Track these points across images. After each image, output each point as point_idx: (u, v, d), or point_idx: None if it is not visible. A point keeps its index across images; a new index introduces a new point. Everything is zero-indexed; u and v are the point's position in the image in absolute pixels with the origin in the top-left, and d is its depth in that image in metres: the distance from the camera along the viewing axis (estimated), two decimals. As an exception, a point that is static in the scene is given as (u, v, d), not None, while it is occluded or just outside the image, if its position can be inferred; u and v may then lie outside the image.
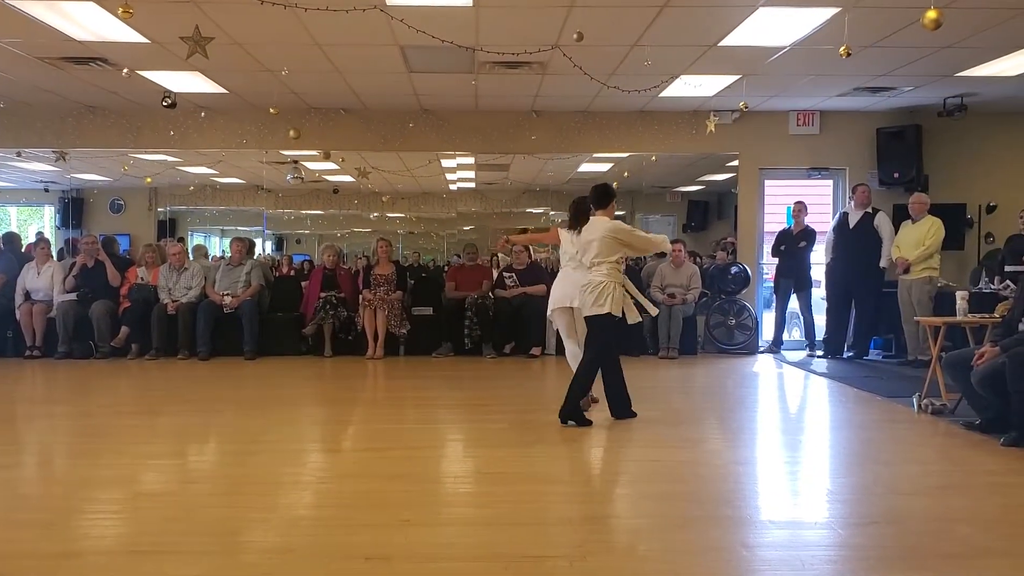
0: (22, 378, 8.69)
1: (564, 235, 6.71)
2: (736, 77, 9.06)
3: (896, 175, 10.55)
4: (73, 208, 19.26)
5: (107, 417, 6.65)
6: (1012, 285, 7.90)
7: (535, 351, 9.99)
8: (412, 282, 10.84)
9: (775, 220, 11.29)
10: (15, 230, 16.27)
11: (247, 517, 3.93)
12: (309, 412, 6.90)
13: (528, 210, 22.16)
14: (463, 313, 10.04)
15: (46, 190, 19.39)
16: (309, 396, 7.64)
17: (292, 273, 12.21)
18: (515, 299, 10.14)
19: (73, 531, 3.79)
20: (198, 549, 3.45)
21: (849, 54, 6.32)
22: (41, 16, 6.92)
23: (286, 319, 10.24)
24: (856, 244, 9.81)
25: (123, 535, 3.73)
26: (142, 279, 10.16)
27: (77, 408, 7.11)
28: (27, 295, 9.94)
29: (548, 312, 6.76)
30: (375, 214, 19.27)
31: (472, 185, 19.83)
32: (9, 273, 10.03)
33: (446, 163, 14.86)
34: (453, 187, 19.97)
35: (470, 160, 14.23)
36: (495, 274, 10.81)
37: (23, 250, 11.30)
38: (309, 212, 17.89)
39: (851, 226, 9.89)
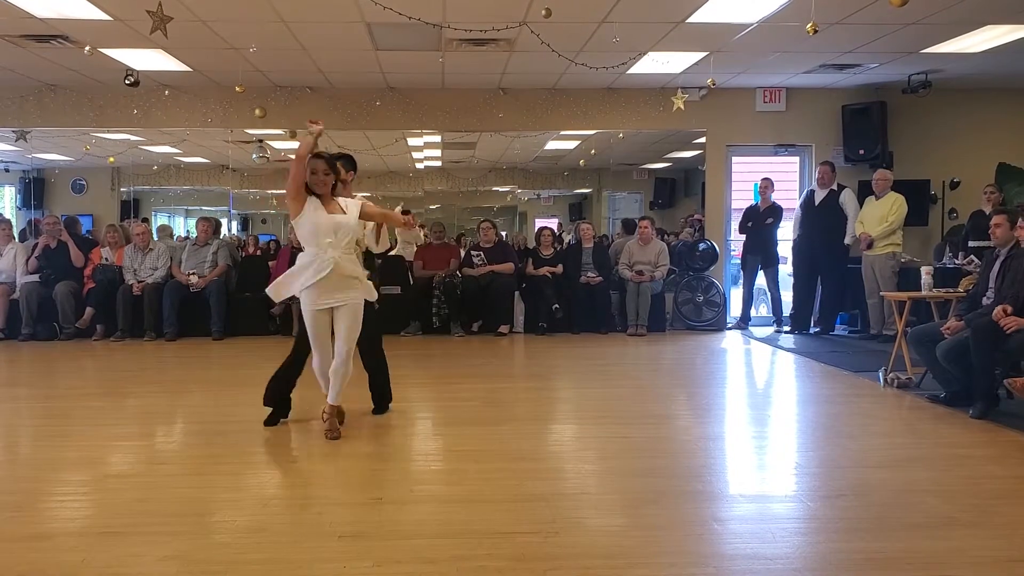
0: (-16, 361, 8.55)
1: None
2: (704, 54, 9.08)
3: (861, 152, 10.64)
4: (34, 188, 18.95)
5: (73, 399, 6.57)
6: (976, 260, 8.03)
7: (503, 329, 10.01)
8: (379, 261, 10.76)
9: (742, 197, 11.35)
10: (-27, 211, 15.94)
11: (217, 498, 3.91)
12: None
13: (494, 188, 22.13)
14: (431, 292, 10.02)
15: (6, 170, 19.00)
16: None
17: (259, 253, 12.10)
18: (483, 277, 10.14)
19: (42, 514, 3.76)
20: (169, 529, 3.43)
21: (816, 31, 6.35)
22: (-2, -9, 6.77)
23: (253, 299, 10.15)
24: (822, 221, 9.91)
25: (93, 517, 3.69)
26: (106, 260, 10.02)
27: (42, 390, 7.01)
28: (-11, 276, 9.77)
29: None
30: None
31: (439, 164, 19.75)
32: (-30, 255, 9.85)
33: (412, 142, 14.77)
34: (420, 166, 19.87)
35: (437, 139, 14.16)
36: (462, 252, 10.79)
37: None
38: (275, 191, 17.69)
39: (817, 203, 9.98)
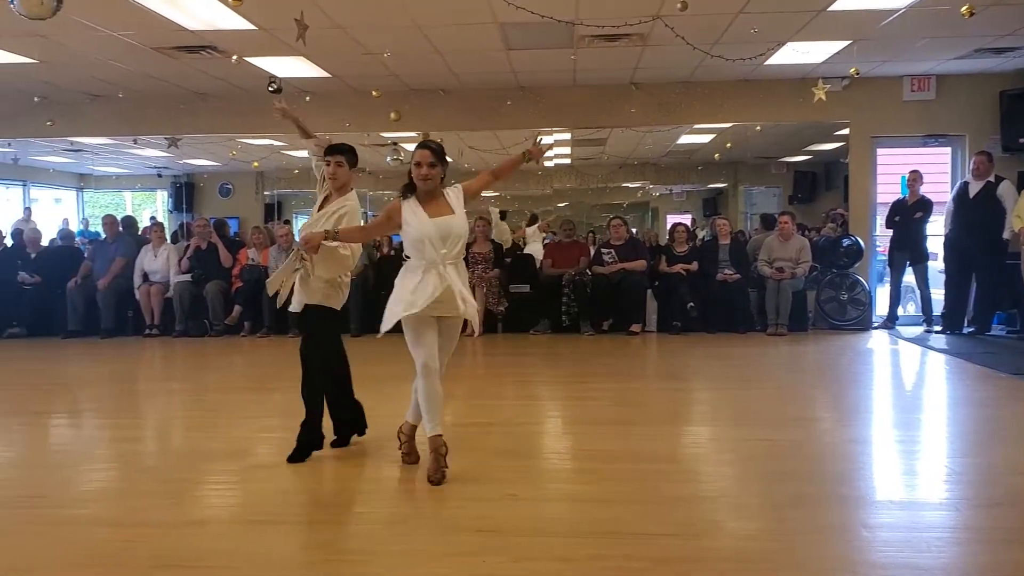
0: (142, 355, 9.08)
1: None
2: (847, 42, 8.72)
3: (1022, 140, 9.97)
4: (185, 192, 20.05)
5: (222, 393, 6.89)
6: None
7: (635, 328, 9.86)
8: (508, 260, 10.85)
9: (888, 190, 10.85)
10: (129, 214, 16.99)
11: (357, 488, 4.02)
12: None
13: (625, 185, 21.92)
14: (560, 290, 9.99)
15: (159, 175, 20.23)
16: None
17: (392, 253, 12.39)
18: (613, 275, 10.03)
19: (196, 502, 3.95)
20: (314, 519, 3.54)
21: (972, 13, 5.97)
22: (155, 7, 7.15)
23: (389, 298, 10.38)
24: (977, 214, 9.33)
25: (242, 505, 3.85)
26: (253, 260, 10.47)
27: (194, 384, 7.39)
28: (145, 276, 10.38)
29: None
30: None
31: (568, 161, 19.72)
32: (128, 256, 10.47)
33: (542, 140, 14.80)
34: (549, 164, 19.90)
35: (566, 136, 14.14)
36: (592, 250, 10.73)
37: (139, 233, 11.82)
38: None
39: (972, 195, 9.41)
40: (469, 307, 4.10)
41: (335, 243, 4.35)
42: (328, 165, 4.56)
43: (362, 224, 4.71)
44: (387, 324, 4.08)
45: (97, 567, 3.06)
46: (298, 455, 4.46)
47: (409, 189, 4.11)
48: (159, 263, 10.41)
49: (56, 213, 19.85)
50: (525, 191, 20.81)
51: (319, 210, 4.60)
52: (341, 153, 4.57)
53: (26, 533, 3.41)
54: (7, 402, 6.64)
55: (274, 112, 4.91)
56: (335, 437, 4.75)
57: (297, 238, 4.60)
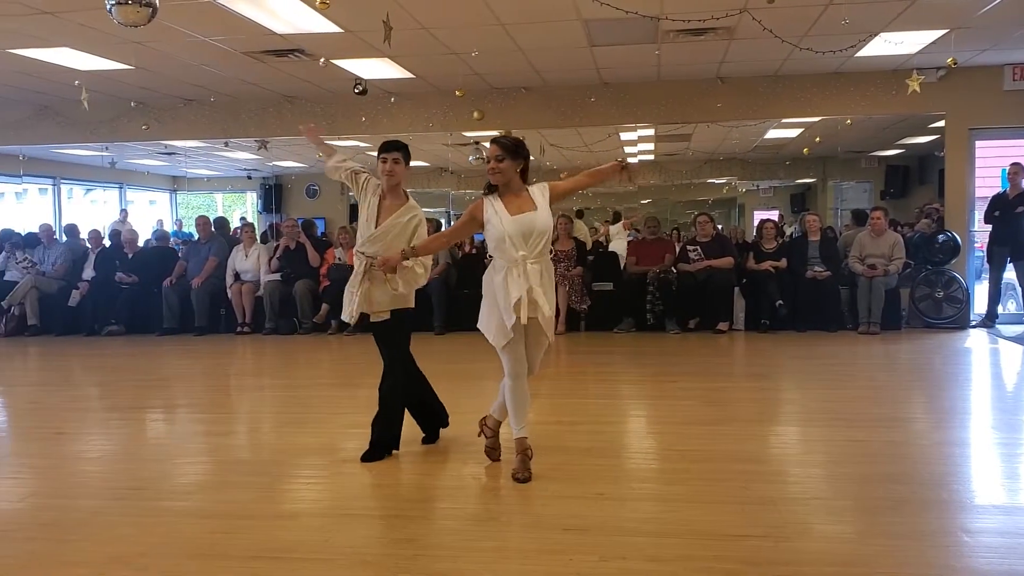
0: (234, 352, 9.34)
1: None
2: (942, 32, 8.41)
3: None
4: (274, 194, 20.57)
5: (311, 389, 7.04)
6: None
7: (722, 326, 9.70)
8: (592, 258, 10.80)
9: (987, 184, 10.45)
10: (221, 215, 17.50)
11: (442, 485, 4.05)
12: (496, 385, 6.99)
13: (710, 180, 21.63)
14: (645, 288, 9.90)
15: (248, 177, 20.82)
16: (496, 369, 7.77)
17: (474, 251, 12.47)
18: (699, 273, 9.88)
19: (288, 494, 4.04)
20: (401, 514, 3.58)
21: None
22: (245, 12, 7.35)
23: (472, 295, 10.44)
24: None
25: (332, 499, 3.92)
26: (340, 259, 10.66)
27: (284, 380, 7.57)
28: (236, 276, 10.66)
29: None
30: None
31: (651, 157, 19.55)
32: (220, 256, 10.78)
33: (625, 136, 14.70)
34: (632, 160, 19.77)
35: (650, 132, 14.01)
36: (677, 247, 10.60)
37: (231, 234, 12.17)
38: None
39: (1077, 188, 9.00)
40: (545, 309, 3.95)
41: (409, 262, 4.34)
42: (384, 163, 4.46)
43: (441, 231, 4.66)
44: (491, 336, 4.07)
45: (197, 557, 3.15)
46: (374, 454, 4.44)
47: (491, 186, 4.04)
48: (250, 263, 10.69)
49: (151, 215, 20.61)
50: (608, 188, 20.73)
51: (377, 217, 4.48)
52: (398, 150, 4.49)
53: (127, 524, 3.54)
54: (107, 397, 6.92)
55: (300, 130, 4.95)
56: (424, 435, 4.81)
57: (361, 248, 4.48)
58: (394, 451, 4.56)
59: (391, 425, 4.55)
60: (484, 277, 4.13)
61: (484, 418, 4.42)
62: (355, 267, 4.49)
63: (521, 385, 4.04)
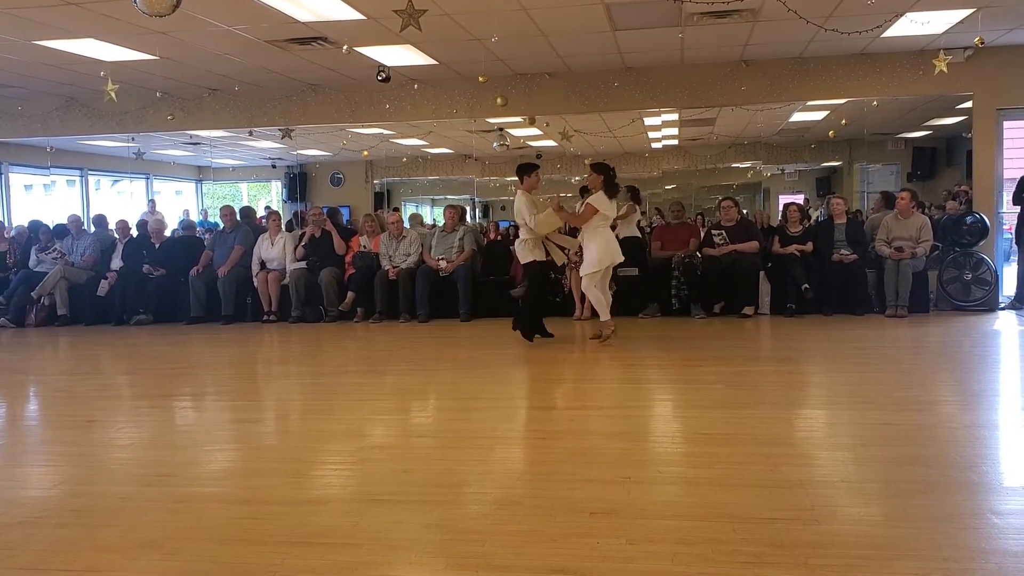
0: (261, 340, 9.41)
1: (604, 202, 7.72)
2: (970, 11, 8.29)
3: None
4: (298, 182, 20.67)
5: (338, 376, 7.08)
6: None
7: (747, 310, 9.64)
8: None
9: (1016, 165, 10.30)
10: (247, 204, 17.62)
11: (471, 470, 4.06)
12: (522, 370, 7.03)
13: (734, 165, 21.46)
14: (670, 273, 9.86)
15: (273, 166, 20.94)
16: (521, 356, 7.79)
17: (499, 238, 12.47)
18: (724, 257, 9.82)
19: (316, 480, 4.07)
20: (428, 499, 3.60)
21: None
22: (268, 0, 7.37)
23: (497, 282, 10.47)
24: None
25: (360, 485, 3.95)
26: (364, 247, 10.71)
27: (310, 368, 7.62)
28: (263, 264, 10.74)
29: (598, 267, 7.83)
30: (577, 177, 19.33)
31: (675, 142, 19.43)
32: (246, 244, 10.86)
33: (649, 121, 14.64)
34: (656, 145, 19.66)
35: (674, 116, 13.94)
36: (702, 232, 10.53)
37: (256, 223, 12.24)
38: (513, 179, 18.36)
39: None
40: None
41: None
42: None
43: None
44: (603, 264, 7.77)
45: (227, 542, 3.19)
46: (526, 331, 7.90)
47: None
48: (276, 251, 10.75)
49: (177, 204, 20.80)
50: (631, 173, 20.61)
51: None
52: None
53: (157, 510, 3.58)
54: (135, 385, 7.00)
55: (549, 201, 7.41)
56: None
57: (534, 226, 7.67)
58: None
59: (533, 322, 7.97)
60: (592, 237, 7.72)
61: (594, 334, 7.88)
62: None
63: (605, 293, 7.95)
